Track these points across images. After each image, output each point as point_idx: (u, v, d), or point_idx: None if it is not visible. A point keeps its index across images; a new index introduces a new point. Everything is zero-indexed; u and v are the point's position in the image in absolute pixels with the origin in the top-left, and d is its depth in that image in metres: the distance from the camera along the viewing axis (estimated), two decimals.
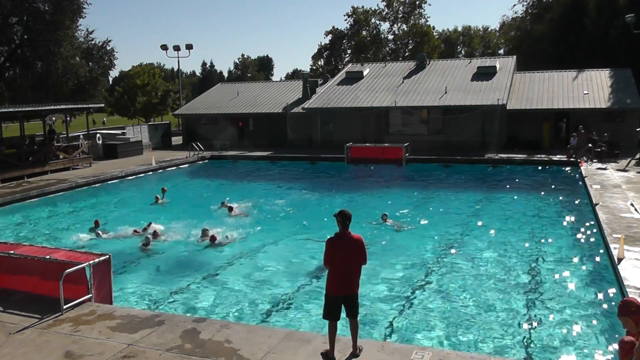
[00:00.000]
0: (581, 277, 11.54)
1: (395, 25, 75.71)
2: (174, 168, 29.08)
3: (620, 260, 11.10)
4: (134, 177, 26.06)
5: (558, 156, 26.63)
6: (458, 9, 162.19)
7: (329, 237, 7.18)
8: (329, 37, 76.12)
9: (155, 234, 14.90)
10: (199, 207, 19.39)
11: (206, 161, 31.40)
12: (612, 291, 10.35)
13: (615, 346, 7.13)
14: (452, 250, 13.84)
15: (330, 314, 7.05)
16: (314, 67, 77.58)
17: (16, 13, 38.94)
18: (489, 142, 29.21)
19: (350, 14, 74.65)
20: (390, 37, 76.48)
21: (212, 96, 42.40)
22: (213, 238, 14.38)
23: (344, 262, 6.95)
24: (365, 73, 37.78)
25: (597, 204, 16.14)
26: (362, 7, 74.99)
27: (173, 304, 10.59)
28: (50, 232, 16.27)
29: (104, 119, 63.47)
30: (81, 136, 30.77)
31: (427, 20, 75.19)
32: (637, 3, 35.14)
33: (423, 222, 16.92)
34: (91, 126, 35.92)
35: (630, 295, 9.07)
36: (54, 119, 55.33)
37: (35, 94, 41.04)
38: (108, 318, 8.57)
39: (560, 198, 19.83)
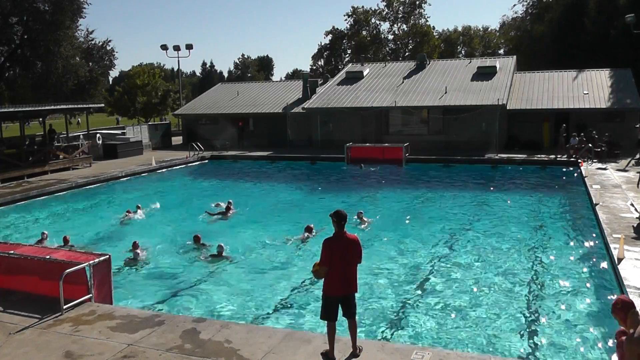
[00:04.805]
0: (581, 277, 11.54)
1: (395, 25, 75.77)
2: (174, 168, 29.08)
3: (620, 260, 11.10)
4: (133, 176, 26.11)
5: (558, 156, 26.63)
6: (458, 9, 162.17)
7: (325, 238, 7.19)
8: (329, 37, 76.16)
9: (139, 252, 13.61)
10: (180, 219, 17.83)
11: (206, 161, 31.40)
12: (612, 291, 10.34)
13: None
14: (451, 250, 13.83)
15: (329, 315, 7.06)
16: (314, 67, 77.58)
17: (16, 13, 38.99)
18: (489, 142, 29.19)
19: (350, 14, 74.66)
20: (390, 37, 76.57)
21: (212, 96, 42.39)
22: (201, 244, 14.20)
23: (342, 262, 6.96)
24: (365, 73, 37.78)
25: (597, 204, 16.14)
26: (362, 7, 75.06)
27: (173, 305, 10.60)
28: (50, 232, 16.23)
29: (79, 119, 63.41)
30: (81, 136, 30.77)
31: (427, 20, 75.28)
32: (637, 3, 35.14)
33: (422, 221, 16.93)
34: (62, 128, 35.80)
35: (630, 296, 9.08)
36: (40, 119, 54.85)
37: (35, 94, 41.10)
38: (108, 318, 8.56)
39: (560, 198, 19.83)
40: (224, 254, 13.34)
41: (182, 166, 29.65)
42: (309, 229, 14.86)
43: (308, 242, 14.37)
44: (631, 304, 4.98)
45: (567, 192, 20.74)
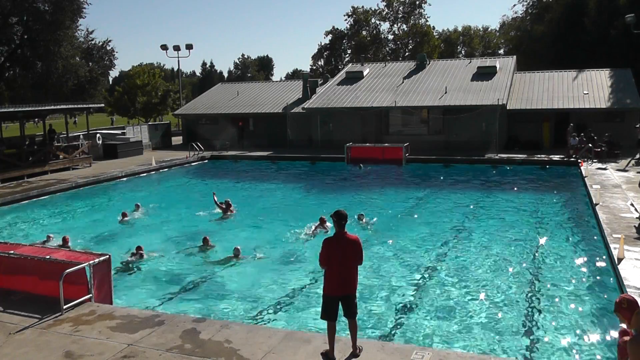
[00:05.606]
0: (581, 277, 11.54)
1: (395, 25, 75.70)
2: (174, 168, 29.06)
3: (620, 260, 11.10)
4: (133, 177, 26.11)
5: (558, 156, 26.63)
6: (458, 9, 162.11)
7: (325, 237, 7.26)
8: (329, 37, 76.09)
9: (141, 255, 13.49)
10: (181, 219, 17.89)
11: (206, 161, 31.39)
12: (612, 291, 10.34)
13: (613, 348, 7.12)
14: (451, 250, 13.83)
15: (328, 315, 7.07)
16: (314, 67, 77.50)
17: (16, 13, 38.99)
18: (489, 142, 29.19)
19: (350, 14, 74.60)
20: (390, 37, 76.50)
21: (212, 96, 42.38)
22: (209, 245, 14.26)
23: (341, 262, 6.97)
24: (365, 73, 37.77)
25: (597, 204, 16.13)
26: (362, 7, 74.98)
27: (173, 305, 10.59)
28: (50, 232, 16.24)
29: (75, 119, 63.78)
30: (81, 136, 30.78)
31: (427, 20, 75.17)
32: (637, 3, 35.15)
33: (422, 221, 16.93)
34: (61, 128, 35.77)
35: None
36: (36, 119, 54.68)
37: (35, 94, 41.13)
38: (108, 318, 8.56)
39: (560, 198, 19.83)
40: (240, 256, 13.21)
41: (182, 166, 29.65)
42: (322, 221, 15.06)
43: (316, 237, 14.48)
44: (636, 304, 4.95)
45: (567, 192, 20.74)
